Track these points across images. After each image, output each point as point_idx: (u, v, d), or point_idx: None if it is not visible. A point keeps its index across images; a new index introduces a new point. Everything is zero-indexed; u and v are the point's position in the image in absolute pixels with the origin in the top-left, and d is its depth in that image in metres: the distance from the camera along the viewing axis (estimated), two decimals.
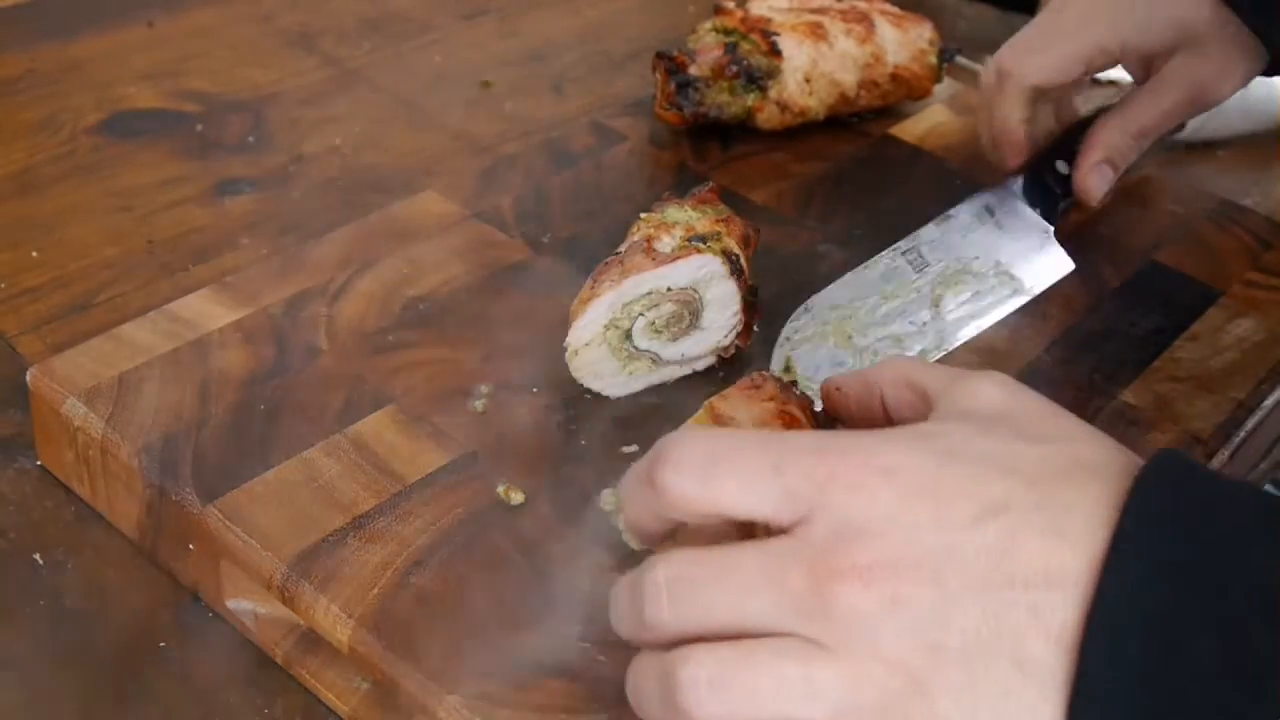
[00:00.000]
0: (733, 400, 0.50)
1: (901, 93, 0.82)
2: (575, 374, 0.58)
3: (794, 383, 0.53)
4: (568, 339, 0.57)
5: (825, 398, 0.51)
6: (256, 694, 0.50)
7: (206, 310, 0.59)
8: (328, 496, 0.51)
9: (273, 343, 0.58)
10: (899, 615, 0.37)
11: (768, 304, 0.64)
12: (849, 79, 0.79)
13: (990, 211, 0.70)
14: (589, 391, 0.58)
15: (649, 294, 0.57)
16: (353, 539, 0.50)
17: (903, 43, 0.81)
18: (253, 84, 0.84)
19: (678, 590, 0.39)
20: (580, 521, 0.52)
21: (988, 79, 0.72)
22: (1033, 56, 0.70)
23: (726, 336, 0.60)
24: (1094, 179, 0.70)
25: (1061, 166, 0.72)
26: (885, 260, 0.67)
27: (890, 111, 0.83)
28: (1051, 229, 0.70)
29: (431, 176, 0.76)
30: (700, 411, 0.50)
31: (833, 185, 0.76)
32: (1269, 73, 0.71)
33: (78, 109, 0.79)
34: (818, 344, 0.62)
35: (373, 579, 0.48)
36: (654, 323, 0.58)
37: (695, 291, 0.58)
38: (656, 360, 0.59)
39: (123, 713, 0.48)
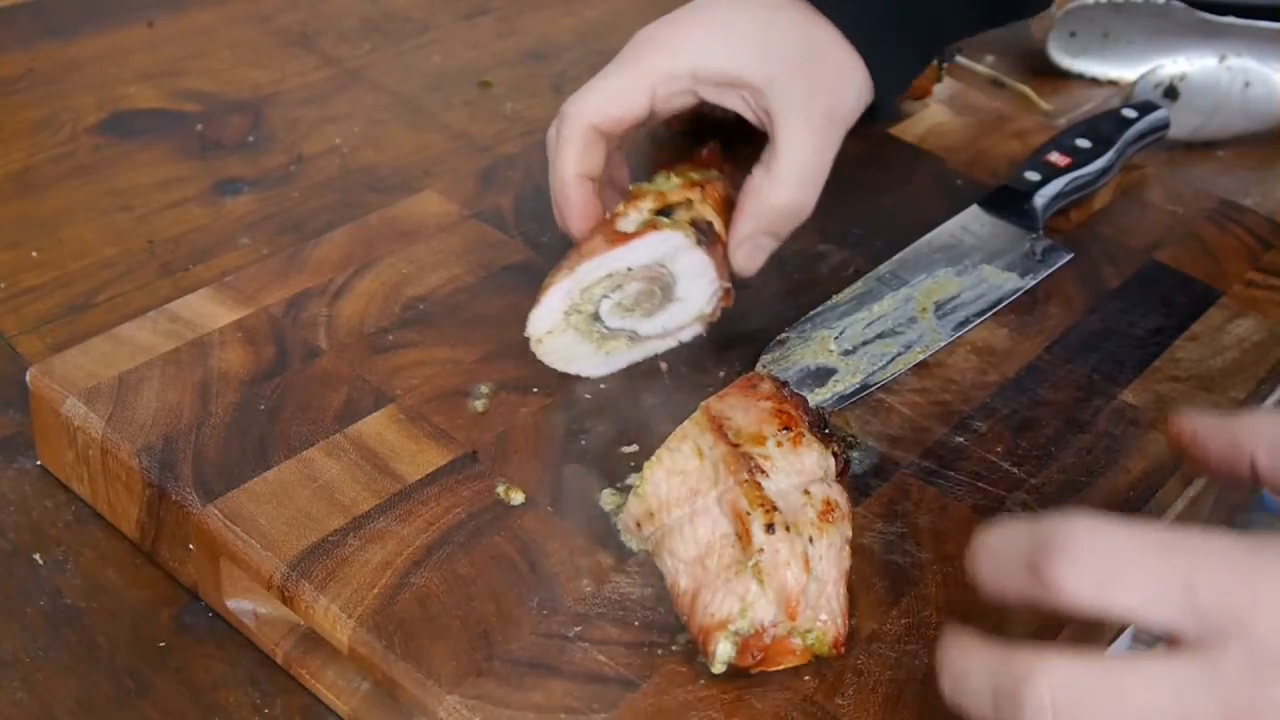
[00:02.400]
0: (730, 401, 0.51)
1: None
2: (544, 360, 0.57)
3: (788, 383, 0.53)
4: (526, 328, 0.56)
5: (1174, 439, 0.46)
6: (256, 694, 0.50)
7: (206, 310, 0.59)
8: (328, 496, 0.51)
9: (273, 343, 0.58)
10: None
11: (768, 304, 0.64)
12: None
13: (967, 229, 0.70)
14: (589, 391, 0.58)
15: (609, 276, 0.56)
16: (353, 539, 0.50)
17: None
18: (253, 84, 0.84)
19: (1065, 713, 0.36)
20: (580, 521, 0.52)
21: (550, 131, 0.61)
22: (590, 94, 0.60)
23: (709, 304, 0.58)
24: (744, 255, 0.60)
25: (1032, 175, 0.72)
26: (858, 287, 0.66)
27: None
28: (1039, 231, 0.70)
29: (431, 176, 0.76)
30: (697, 412, 0.50)
31: (833, 185, 0.76)
32: (870, 116, 0.64)
33: (78, 109, 0.79)
34: (796, 361, 0.61)
35: (373, 579, 0.48)
36: (621, 303, 0.57)
37: (663, 267, 0.57)
38: (634, 337, 0.58)
39: (123, 713, 0.48)
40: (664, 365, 0.60)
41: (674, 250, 0.56)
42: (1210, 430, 0.45)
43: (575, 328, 0.56)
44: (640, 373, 0.60)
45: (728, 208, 0.60)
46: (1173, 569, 0.36)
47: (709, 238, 0.57)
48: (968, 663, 0.38)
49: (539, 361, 0.59)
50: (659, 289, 0.57)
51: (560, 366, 0.57)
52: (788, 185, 0.60)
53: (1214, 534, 0.37)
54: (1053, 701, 0.36)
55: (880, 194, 0.75)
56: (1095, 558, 0.36)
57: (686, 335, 0.60)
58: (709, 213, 0.58)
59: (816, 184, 0.61)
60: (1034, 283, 0.68)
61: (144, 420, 0.54)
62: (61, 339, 0.63)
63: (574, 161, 0.59)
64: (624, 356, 0.58)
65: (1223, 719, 0.35)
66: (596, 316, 0.57)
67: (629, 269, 0.56)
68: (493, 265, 0.65)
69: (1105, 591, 0.36)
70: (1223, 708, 0.35)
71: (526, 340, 0.58)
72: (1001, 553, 0.39)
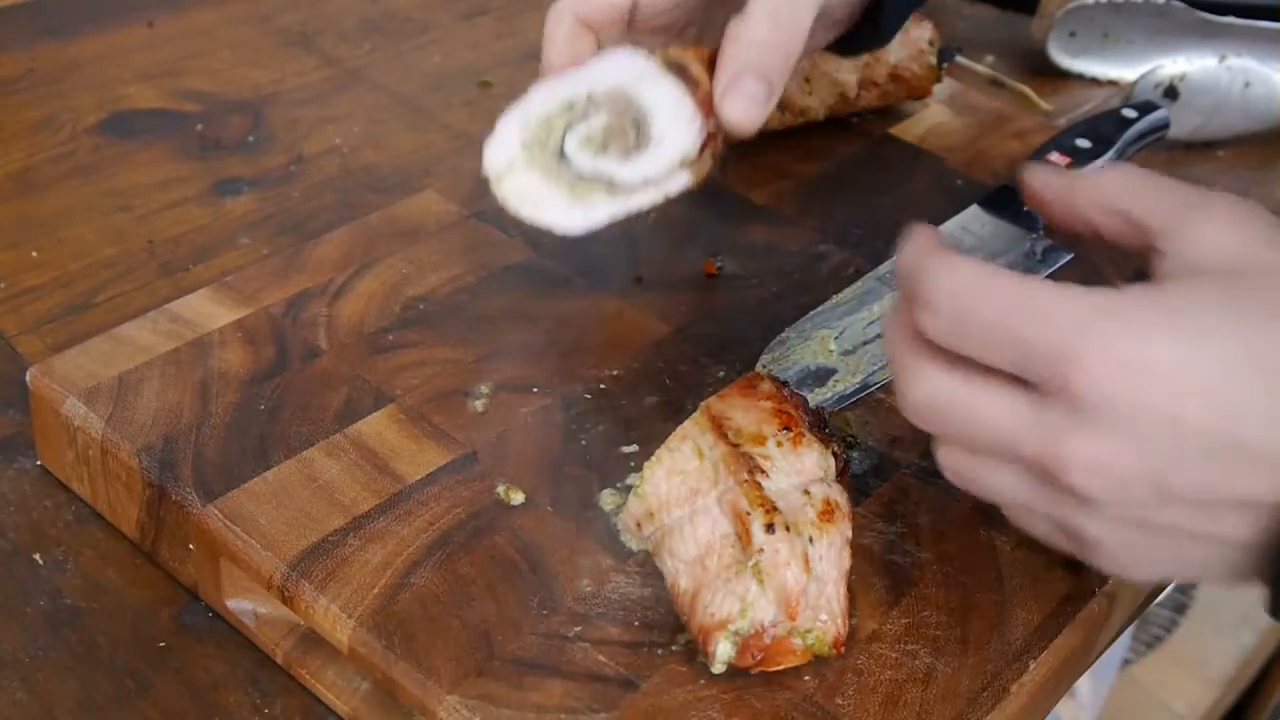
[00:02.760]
0: (729, 400, 0.51)
1: (901, 93, 0.82)
2: (507, 205, 0.52)
3: (788, 383, 0.53)
4: (483, 166, 0.52)
5: (1026, 197, 0.49)
6: (256, 694, 0.50)
7: (206, 310, 0.59)
8: (328, 496, 0.51)
9: (273, 343, 0.58)
10: (1115, 504, 0.41)
11: (768, 304, 0.64)
12: (849, 79, 0.79)
13: (967, 229, 0.70)
14: (589, 392, 0.58)
15: (569, 106, 0.52)
16: (353, 539, 0.50)
17: (902, 43, 0.81)
18: (253, 84, 0.84)
19: (926, 412, 0.44)
20: (580, 521, 0.52)
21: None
22: None
23: (691, 146, 0.53)
24: (731, 104, 0.55)
25: None
26: (859, 286, 0.66)
27: (890, 111, 0.83)
28: (1039, 232, 0.70)
29: (431, 176, 0.76)
30: (697, 412, 0.50)
31: (833, 185, 0.76)
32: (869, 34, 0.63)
33: (78, 109, 0.79)
34: (796, 361, 0.61)
35: (373, 579, 0.48)
36: (590, 138, 0.53)
37: (629, 99, 0.52)
38: (613, 186, 0.53)
39: (123, 713, 0.48)
40: (651, 217, 0.55)
41: (638, 77, 0.52)
42: (1053, 188, 0.48)
43: (539, 166, 0.52)
44: (642, 372, 0.60)
45: (711, 67, 0.55)
46: (1010, 325, 0.41)
47: (683, 75, 0.53)
48: (891, 328, 0.45)
49: (539, 361, 0.59)
50: (631, 127, 0.53)
51: (527, 213, 0.52)
52: (762, 20, 0.55)
53: (1065, 291, 0.41)
54: (919, 406, 0.44)
55: (880, 194, 0.75)
56: (948, 310, 0.42)
57: (673, 187, 0.54)
58: (687, 59, 0.54)
59: (796, 16, 0.55)
60: None
61: (144, 420, 0.54)
62: (61, 339, 0.63)
63: (560, 53, 0.58)
64: (604, 209, 0.53)
65: (1033, 455, 0.41)
66: (562, 154, 0.52)
67: (589, 95, 0.52)
68: (493, 265, 0.65)
69: (955, 338, 0.42)
70: (1036, 446, 0.41)
71: (528, 341, 0.58)
72: (899, 276, 0.45)
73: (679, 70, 0.54)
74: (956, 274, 0.42)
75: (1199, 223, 0.43)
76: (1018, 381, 0.42)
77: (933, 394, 0.43)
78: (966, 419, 0.43)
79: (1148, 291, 0.41)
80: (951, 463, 0.45)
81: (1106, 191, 0.46)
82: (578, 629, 0.48)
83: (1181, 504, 0.40)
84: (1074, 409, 0.40)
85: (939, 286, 0.42)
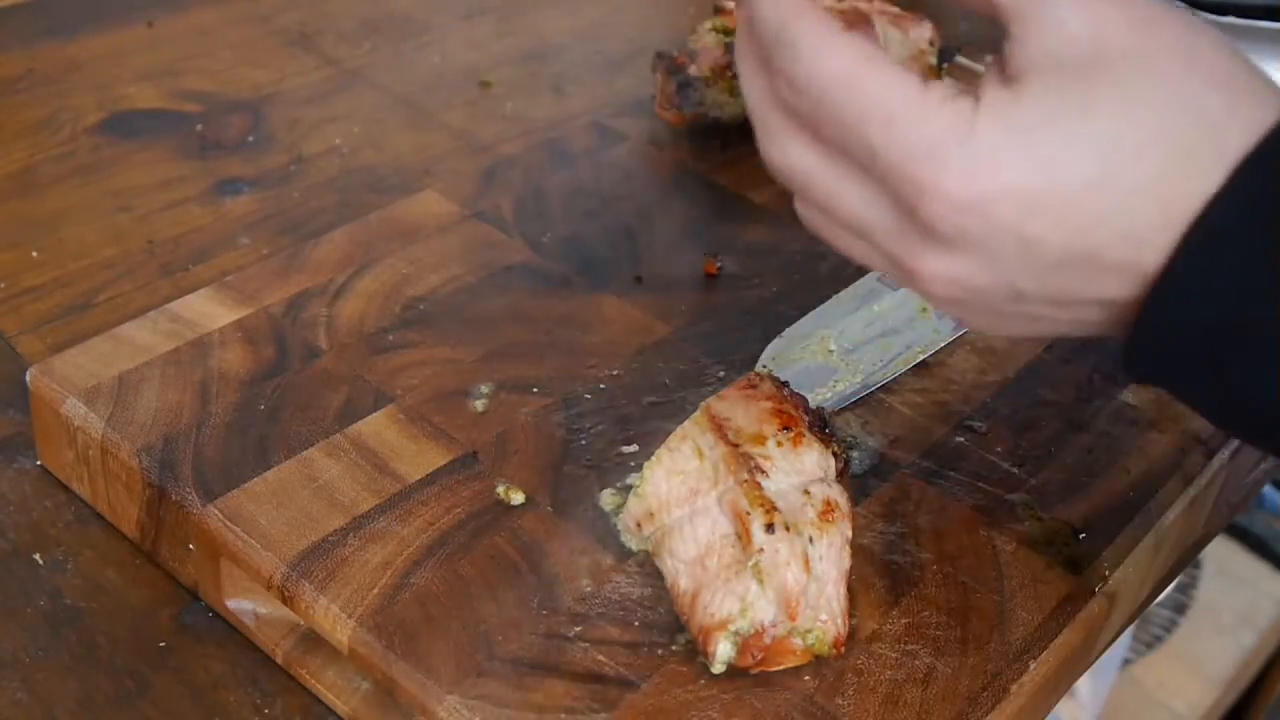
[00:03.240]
0: (729, 400, 0.51)
1: None
2: None
3: (788, 383, 0.53)
4: None
5: None
6: (256, 694, 0.50)
7: (206, 310, 0.59)
8: (328, 496, 0.51)
9: (273, 343, 0.58)
10: (969, 303, 0.42)
11: (768, 304, 0.64)
12: None
13: None
14: (589, 392, 0.58)
15: None
16: (353, 539, 0.50)
17: (903, 43, 0.81)
18: (253, 84, 0.84)
19: (784, 175, 0.44)
20: (580, 521, 0.52)
21: None
22: None
23: None
24: None
25: None
26: (859, 286, 0.66)
27: None
28: None
29: (431, 176, 0.76)
30: (698, 412, 0.50)
31: None
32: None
33: (78, 109, 0.79)
34: (796, 361, 0.61)
35: (373, 579, 0.48)
36: None
37: None
38: None
39: (123, 713, 0.48)
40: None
41: None
42: None
43: None
44: (642, 372, 0.60)
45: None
46: (867, 135, 0.41)
47: None
48: (751, 74, 0.45)
49: (539, 361, 0.59)
50: None
51: None
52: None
53: (924, 108, 0.40)
54: (778, 169, 0.44)
55: None
56: (810, 94, 0.41)
57: None
58: None
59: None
60: None
61: (144, 420, 0.54)
62: (61, 339, 0.63)
63: None
64: None
65: (887, 254, 0.43)
66: None
67: None
68: (493, 265, 0.65)
69: (813, 122, 0.42)
70: (891, 249, 0.42)
71: (528, 341, 0.57)
72: (757, 22, 0.44)
73: None
74: (823, 57, 0.41)
75: (1055, 5, 0.40)
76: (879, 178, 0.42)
77: (792, 163, 0.43)
78: (825, 196, 0.43)
79: (1001, 105, 0.40)
80: (809, 219, 0.45)
81: None
82: (578, 629, 0.48)
83: (1036, 302, 0.42)
84: (926, 233, 0.40)
85: (802, 67, 0.41)
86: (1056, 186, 0.39)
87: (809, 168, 0.43)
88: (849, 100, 0.40)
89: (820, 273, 0.67)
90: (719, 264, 0.67)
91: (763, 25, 0.43)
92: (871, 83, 0.40)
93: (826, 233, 0.45)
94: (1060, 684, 0.52)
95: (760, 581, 0.45)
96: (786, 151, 0.43)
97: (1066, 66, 0.40)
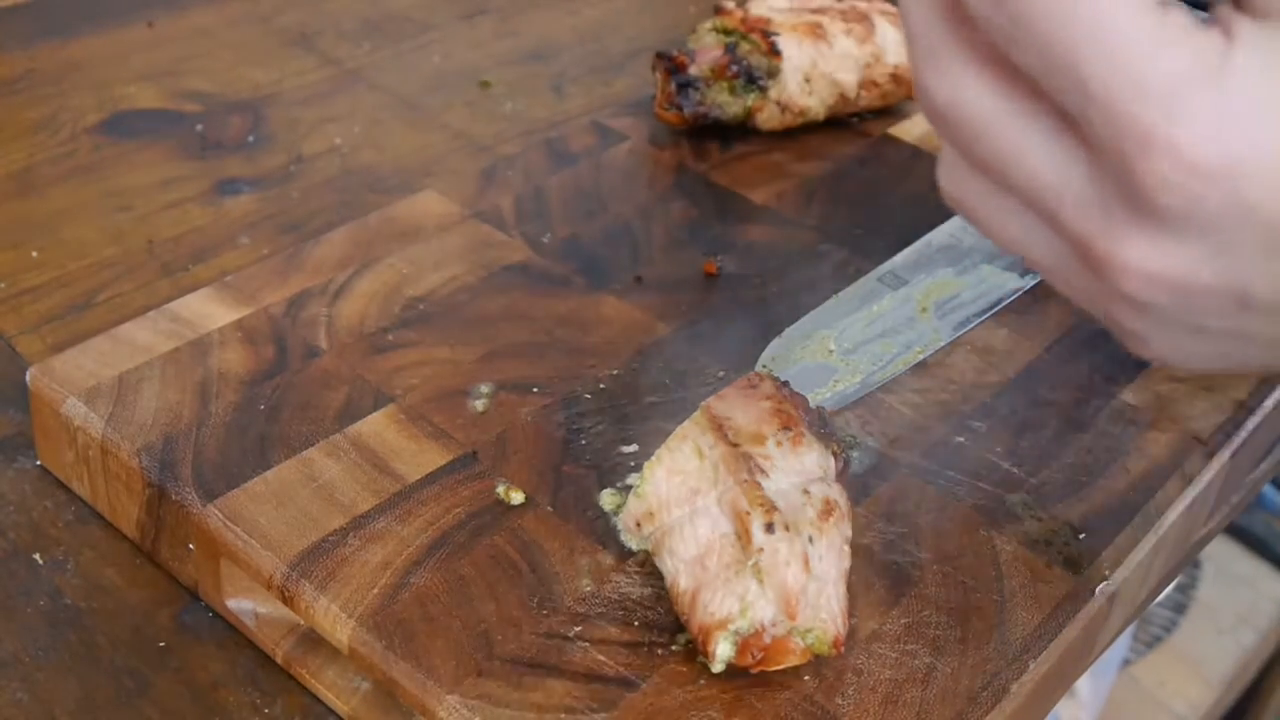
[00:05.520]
0: (729, 400, 0.51)
1: (901, 93, 0.82)
2: None
3: (788, 383, 0.53)
4: None
5: None
6: (256, 694, 0.50)
7: (206, 310, 0.59)
8: (328, 496, 0.51)
9: (273, 343, 0.58)
10: (1179, 310, 0.33)
11: (768, 304, 0.64)
12: (849, 79, 0.79)
13: (967, 229, 0.70)
14: (589, 391, 0.58)
15: None
16: (353, 539, 0.50)
17: (903, 43, 0.81)
18: (253, 84, 0.84)
19: (945, 120, 0.34)
20: (580, 521, 0.52)
21: None
22: None
23: None
24: None
25: None
26: (859, 286, 0.66)
27: (890, 111, 0.83)
28: None
29: (431, 176, 0.76)
30: (697, 412, 0.50)
31: (833, 185, 0.76)
32: None
33: (78, 109, 0.79)
34: (796, 361, 0.61)
35: (373, 579, 0.48)
36: None
37: None
38: None
39: (123, 713, 0.48)
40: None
41: None
42: None
43: None
44: (642, 372, 0.60)
45: None
46: (1080, 61, 0.31)
47: None
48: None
49: (539, 361, 0.59)
50: None
51: None
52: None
53: (1163, 34, 0.31)
54: (938, 110, 0.34)
55: (880, 194, 0.75)
56: None
57: None
58: None
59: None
60: (1034, 282, 0.68)
61: (144, 420, 0.54)
62: (61, 339, 0.63)
63: None
64: None
65: (1077, 235, 0.33)
66: None
67: None
68: (493, 265, 0.65)
69: (1004, 36, 0.32)
70: (1083, 226, 0.33)
71: (528, 341, 0.57)
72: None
73: None
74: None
75: None
76: (1078, 125, 0.32)
77: (964, 99, 0.33)
78: (1001, 147, 0.33)
79: (1264, 42, 0.31)
80: (956, 187, 0.36)
81: None
82: (577, 629, 0.48)
83: (1266, 316, 0.33)
84: (1139, 205, 0.31)
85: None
86: None
87: (985, 109, 0.33)
88: (1061, 14, 0.31)
89: (820, 273, 0.67)
90: (719, 264, 0.67)
91: None
92: None
93: (983, 206, 0.35)
94: (1060, 684, 0.52)
95: (760, 581, 0.45)
96: (957, 85, 0.33)
97: None
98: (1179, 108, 0.30)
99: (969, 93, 0.33)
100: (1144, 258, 0.32)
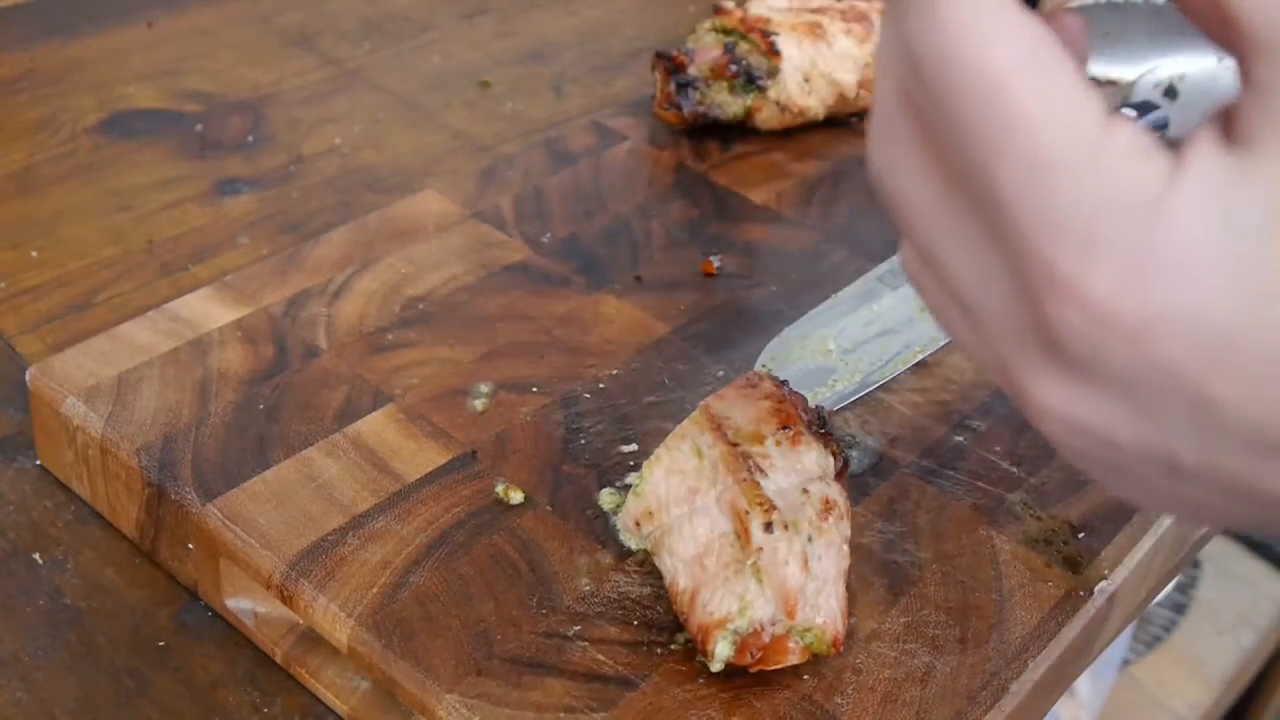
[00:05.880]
0: (728, 400, 0.51)
1: None
2: None
3: (787, 382, 0.53)
4: None
5: None
6: (256, 693, 0.50)
7: (206, 310, 0.59)
8: (327, 496, 0.51)
9: (272, 342, 0.58)
10: (1103, 462, 0.30)
11: (768, 304, 0.64)
12: (848, 79, 0.79)
13: None
14: (588, 391, 0.58)
15: None
16: (352, 538, 0.50)
17: None
18: (253, 84, 0.84)
19: (887, 193, 0.32)
20: (579, 521, 0.52)
21: None
22: None
23: None
24: None
25: None
26: (859, 286, 0.66)
27: None
28: None
29: (431, 176, 0.77)
30: (696, 411, 0.50)
31: (833, 185, 0.76)
32: None
33: (78, 109, 0.79)
34: (796, 361, 0.61)
35: (372, 578, 0.48)
36: None
37: None
38: None
39: (123, 712, 0.48)
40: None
41: None
42: None
43: None
44: (642, 372, 0.60)
45: None
46: (992, 167, 0.28)
47: None
48: (884, 44, 0.31)
49: (539, 361, 0.59)
50: None
51: None
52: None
53: (1096, 147, 0.27)
54: (881, 182, 0.32)
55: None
56: (933, 86, 0.29)
57: None
58: None
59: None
60: None
61: (143, 420, 0.54)
62: (61, 339, 0.63)
63: None
64: None
65: (996, 361, 0.30)
66: None
67: None
68: (493, 265, 0.65)
69: (933, 124, 0.30)
70: (1000, 352, 0.30)
71: (528, 341, 0.58)
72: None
73: None
74: (966, 29, 0.27)
75: None
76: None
77: (899, 183, 0.31)
78: (927, 243, 0.31)
79: (1217, 177, 0.26)
80: (908, 266, 0.33)
81: None
82: (577, 628, 0.48)
83: (1199, 485, 0.28)
84: (1052, 346, 0.28)
85: (932, 38, 0.28)
86: (1271, 324, 0.25)
87: (920, 198, 0.31)
88: (985, 111, 0.27)
89: (820, 273, 0.67)
90: (718, 263, 0.67)
91: None
92: (1026, 91, 0.27)
93: (927, 294, 0.32)
94: (1059, 683, 0.52)
95: (759, 580, 0.45)
96: (897, 166, 0.31)
97: None
98: (1095, 248, 0.26)
99: (907, 178, 0.31)
100: (1060, 402, 0.28)
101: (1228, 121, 0.27)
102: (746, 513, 0.46)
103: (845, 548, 0.48)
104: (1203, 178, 0.26)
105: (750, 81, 0.77)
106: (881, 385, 0.60)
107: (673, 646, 0.47)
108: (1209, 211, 0.25)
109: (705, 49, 0.77)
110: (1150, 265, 0.26)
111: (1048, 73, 0.27)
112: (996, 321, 0.29)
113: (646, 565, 0.50)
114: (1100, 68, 0.95)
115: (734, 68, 0.76)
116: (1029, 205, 0.27)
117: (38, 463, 0.57)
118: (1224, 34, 0.27)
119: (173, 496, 0.51)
